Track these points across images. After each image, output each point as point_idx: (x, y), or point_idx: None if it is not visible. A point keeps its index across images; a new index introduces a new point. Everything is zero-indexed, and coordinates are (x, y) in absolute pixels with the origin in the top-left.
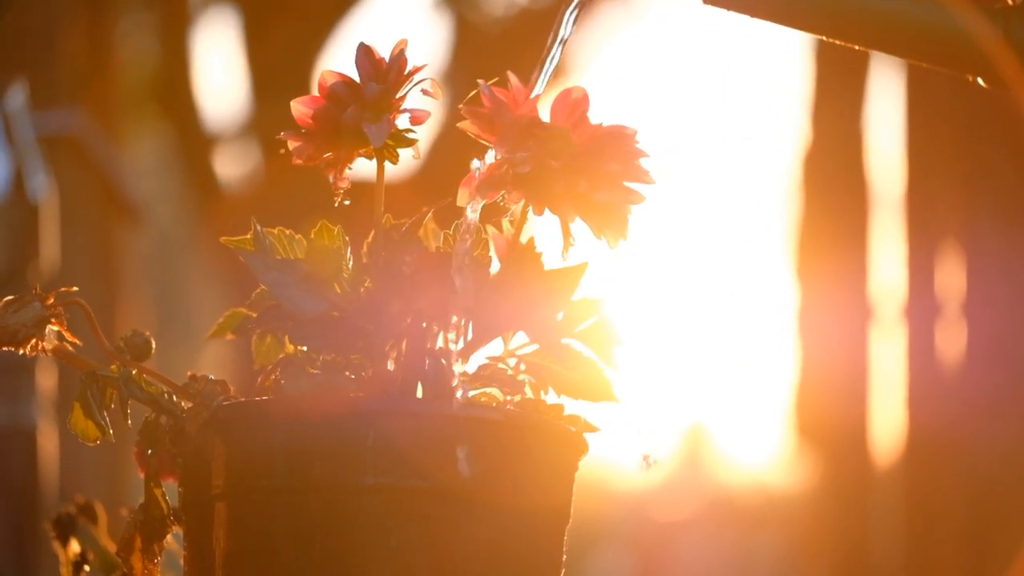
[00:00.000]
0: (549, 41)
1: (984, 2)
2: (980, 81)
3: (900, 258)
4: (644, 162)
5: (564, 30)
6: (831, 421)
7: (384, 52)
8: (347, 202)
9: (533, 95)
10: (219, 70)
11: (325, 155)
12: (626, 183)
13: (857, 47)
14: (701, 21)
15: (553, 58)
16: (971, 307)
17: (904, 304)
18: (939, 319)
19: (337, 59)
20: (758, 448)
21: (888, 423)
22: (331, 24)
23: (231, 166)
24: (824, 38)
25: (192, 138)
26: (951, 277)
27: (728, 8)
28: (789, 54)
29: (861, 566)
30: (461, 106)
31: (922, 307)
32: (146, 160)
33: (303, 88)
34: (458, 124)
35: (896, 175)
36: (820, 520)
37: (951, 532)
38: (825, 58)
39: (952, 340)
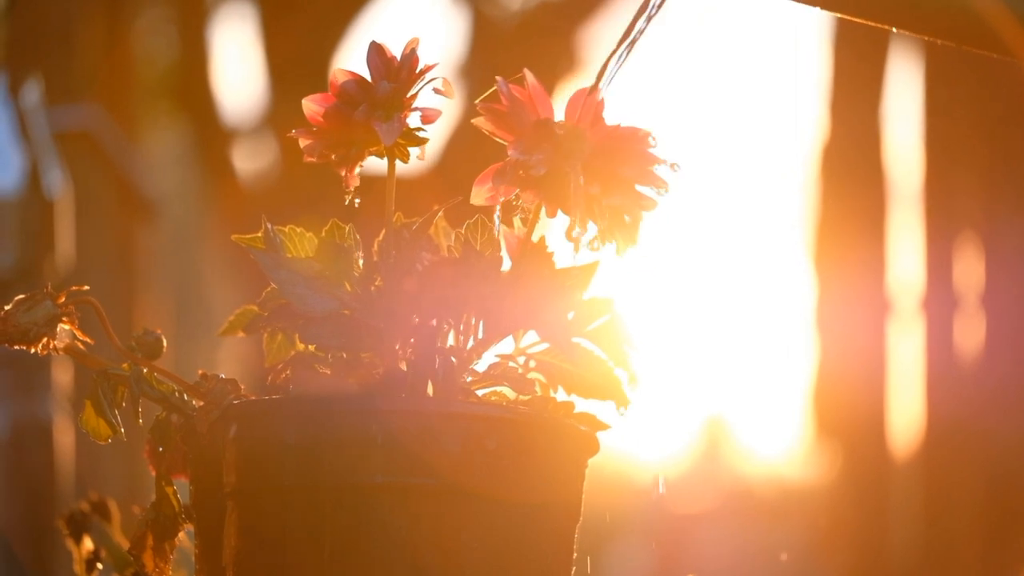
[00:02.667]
0: (620, 39)
1: None
2: None
3: (918, 251)
4: (658, 168)
5: (641, 25)
6: (850, 413)
7: (396, 50)
8: (356, 201)
9: (599, 94)
10: (235, 65)
11: (336, 153)
12: (639, 188)
13: (908, 32)
14: (719, 14)
15: (623, 55)
16: (989, 299)
17: (922, 296)
18: (957, 311)
19: (354, 53)
20: (777, 440)
21: (906, 415)
22: (348, 18)
23: (247, 160)
24: (872, 23)
25: (208, 133)
26: (969, 269)
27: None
28: (807, 47)
29: (880, 557)
30: (478, 103)
31: (940, 299)
32: (162, 155)
33: (320, 82)
34: (473, 121)
35: (914, 168)
36: (839, 512)
37: (969, 523)
38: (843, 51)
39: (970, 332)
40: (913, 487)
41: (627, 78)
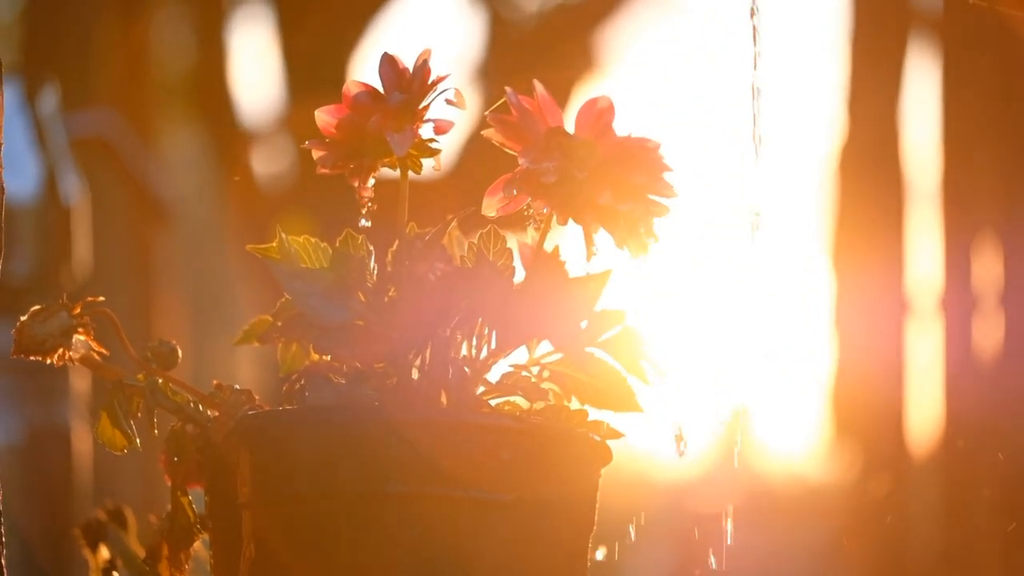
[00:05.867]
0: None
1: None
2: None
3: (937, 250)
4: (668, 176)
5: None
6: (869, 412)
7: (408, 61)
8: (367, 223)
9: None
10: (252, 68)
11: (349, 164)
12: (650, 195)
13: None
14: (736, 13)
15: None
16: (1008, 299)
17: (941, 296)
18: (976, 311)
19: (371, 55)
20: (796, 440)
21: (925, 414)
22: (365, 20)
23: (265, 164)
24: None
25: (225, 137)
26: (988, 269)
27: None
28: (825, 45)
29: (899, 557)
30: (487, 114)
31: (959, 299)
32: (178, 159)
33: (337, 84)
34: (483, 132)
35: (933, 167)
36: (858, 511)
37: (988, 522)
38: (861, 49)
39: (989, 332)
40: (932, 486)
41: (644, 76)
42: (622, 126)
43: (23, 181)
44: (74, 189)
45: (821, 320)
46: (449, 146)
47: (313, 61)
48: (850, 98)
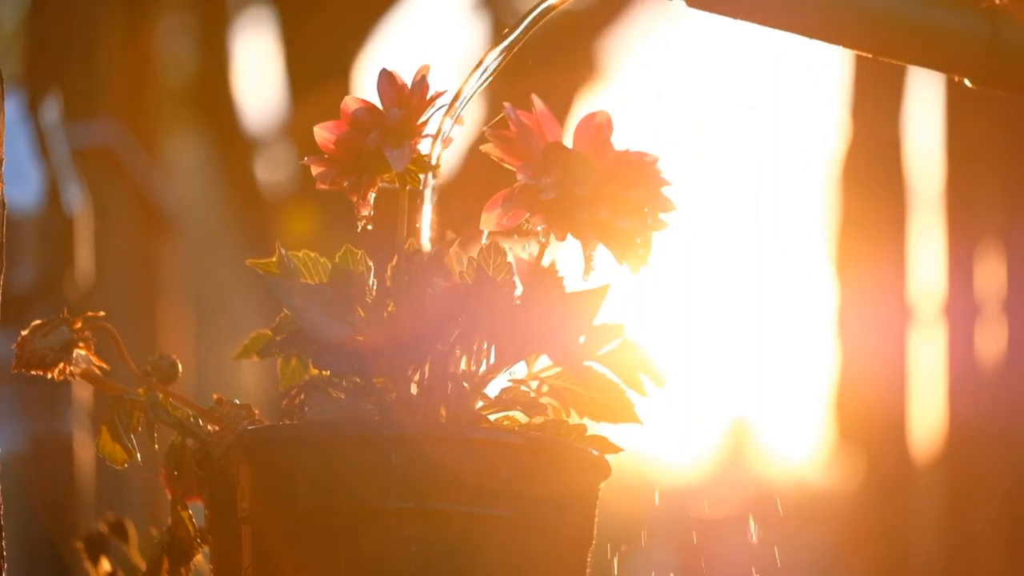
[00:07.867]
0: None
1: (971, 1)
2: (967, 82)
3: (939, 257)
4: (667, 190)
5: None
6: (872, 418)
7: (407, 76)
8: (369, 227)
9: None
10: (256, 76)
11: (348, 180)
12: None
13: (842, 47)
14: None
15: (487, 69)
16: (1011, 305)
17: (944, 302)
18: (978, 317)
19: (375, 62)
20: (800, 445)
21: (928, 420)
22: (369, 26)
23: (269, 171)
24: (810, 39)
25: (229, 144)
26: (990, 276)
27: (712, 10)
28: (829, 53)
29: (902, 562)
30: (486, 129)
31: (961, 305)
32: (182, 168)
33: (341, 90)
34: (482, 147)
35: (935, 174)
36: (862, 516)
37: (991, 528)
38: (864, 57)
39: (991, 338)
40: (935, 492)
41: (650, 84)
42: (620, 140)
43: (26, 191)
44: (77, 199)
45: (824, 326)
46: (458, 143)
47: (317, 68)
48: (854, 104)
